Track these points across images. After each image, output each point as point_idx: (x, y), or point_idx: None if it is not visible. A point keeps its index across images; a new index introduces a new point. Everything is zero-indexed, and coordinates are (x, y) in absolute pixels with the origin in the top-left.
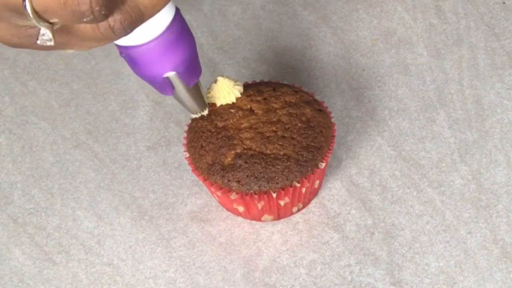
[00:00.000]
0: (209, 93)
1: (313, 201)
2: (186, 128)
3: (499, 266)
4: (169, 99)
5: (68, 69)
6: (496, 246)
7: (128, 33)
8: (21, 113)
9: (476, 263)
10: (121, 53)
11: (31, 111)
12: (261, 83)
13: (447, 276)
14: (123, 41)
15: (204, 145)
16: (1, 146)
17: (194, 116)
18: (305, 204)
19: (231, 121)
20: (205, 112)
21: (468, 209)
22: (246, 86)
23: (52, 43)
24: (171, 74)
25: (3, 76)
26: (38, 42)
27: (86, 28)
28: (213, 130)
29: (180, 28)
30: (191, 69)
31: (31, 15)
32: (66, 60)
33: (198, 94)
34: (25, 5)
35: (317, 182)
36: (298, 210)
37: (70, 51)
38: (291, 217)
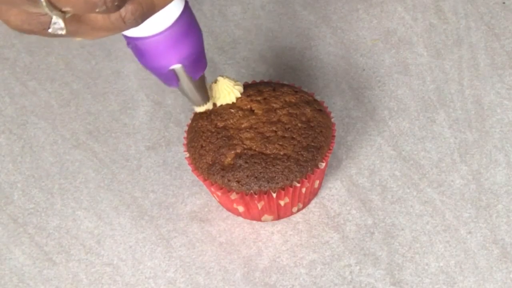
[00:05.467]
0: (209, 93)
1: (313, 201)
2: (186, 128)
3: (499, 266)
4: (169, 99)
5: (68, 69)
6: (496, 246)
7: (139, 23)
8: (21, 113)
9: (476, 263)
10: (128, 44)
11: (31, 111)
12: (261, 83)
13: (447, 276)
14: (132, 32)
15: (204, 145)
16: (1, 146)
17: (197, 109)
18: (305, 204)
19: (231, 121)
20: (209, 105)
21: (468, 209)
22: (246, 86)
23: (63, 32)
24: (177, 66)
25: (3, 76)
26: (50, 30)
27: (96, 17)
28: (213, 130)
29: (188, 22)
30: (197, 62)
31: (44, 3)
32: (66, 60)
33: (203, 87)
34: None
35: (317, 182)
36: (298, 210)
37: (78, 39)
38: (291, 217)
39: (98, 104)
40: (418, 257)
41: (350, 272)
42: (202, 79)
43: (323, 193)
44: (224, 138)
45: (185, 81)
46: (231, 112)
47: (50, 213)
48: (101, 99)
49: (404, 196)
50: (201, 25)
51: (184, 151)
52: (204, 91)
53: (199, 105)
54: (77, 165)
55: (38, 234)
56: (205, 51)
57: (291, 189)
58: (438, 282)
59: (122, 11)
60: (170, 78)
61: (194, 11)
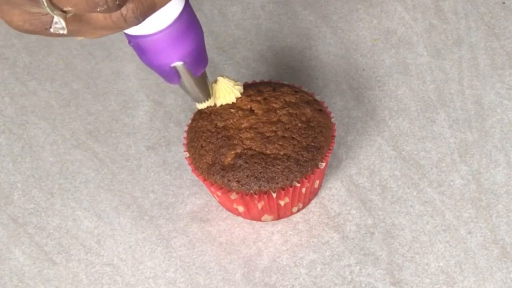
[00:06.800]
0: None
1: (313, 201)
2: (186, 128)
3: (499, 266)
4: (169, 99)
5: (68, 69)
6: (496, 246)
7: (140, 22)
8: (21, 113)
9: (476, 263)
10: (129, 42)
11: (31, 111)
12: (261, 83)
13: (447, 276)
14: (133, 31)
15: (204, 145)
16: (1, 146)
17: (198, 105)
18: (305, 204)
19: (231, 121)
20: (211, 102)
21: (468, 209)
22: (246, 86)
23: (65, 31)
24: (178, 64)
25: (3, 76)
26: (52, 30)
27: (98, 16)
28: (213, 130)
29: (189, 19)
30: (199, 59)
31: (45, 3)
32: (66, 60)
33: (204, 84)
34: None
35: (317, 182)
36: (298, 210)
37: (80, 38)
38: (291, 217)
39: (98, 104)
40: (418, 257)
41: (350, 272)
42: (204, 76)
43: (323, 193)
44: (224, 138)
45: (187, 78)
46: (231, 112)
47: (50, 213)
48: (101, 99)
49: (404, 196)
50: (201, 25)
51: (184, 151)
52: (205, 87)
53: (200, 101)
54: (77, 165)
55: (38, 234)
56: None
57: (291, 189)
58: (438, 282)
59: (123, 10)
60: (172, 76)
61: (194, 11)
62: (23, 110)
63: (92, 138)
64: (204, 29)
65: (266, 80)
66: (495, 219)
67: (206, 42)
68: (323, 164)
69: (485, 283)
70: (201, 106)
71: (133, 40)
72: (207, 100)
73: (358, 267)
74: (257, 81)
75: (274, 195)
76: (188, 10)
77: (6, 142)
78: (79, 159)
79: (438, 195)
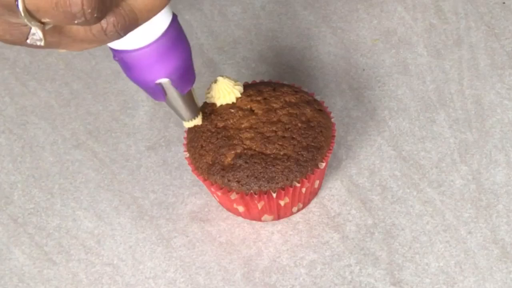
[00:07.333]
0: (209, 93)
1: (313, 201)
2: (186, 128)
3: (499, 266)
4: None
5: (68, 69)
6: (496, 246)
7: (122, 36)
8: (21, 113)
9: (476, 263)
10: (114, 56)
11: (31, 111)
12: (261, 83)
13: (447, 276)
14: (117, 45)
15: (204, 145)
16: (1, 146)
17: (185, 124)
18: (305, 204)
19: (231, 121)
20: (198, 121)
21: (468, 209)
22: (246, 86)
23: (42, 43)
24: (164, 80)
25: (3, 76)
26: (28, 41)
27: (78, 29)
28: (213, 130)
29: (175, 35)
30: (185, 76)
31: (22, 14)
32: (66, 60)
33: (191, 101)
34: (17, 4)
35: (317, 182)
36: (298, 210)
37: (62, 51)
38: (291, 217)
39: (98, 104)
40: (418, 257)
41: (350, 272)
42: (191, 93)
43: (323, 193)
44: (224, 138)
45: (173, 96)
46: (231, 112)
47: (50, 213)
48: (101, 99)
49: (404, 196)
50: (201, 25)
51: (184, 151)
52: (193, 105)
53: (187, 120)
54: (77, 165)
55: (38, 234)
56: (205, 51)
57: (291, 189)
58: (438, 282)
59: (103, 23)
60: (157, 92)
61: (194, 11)
62: (23, 110)
63: (92, 138)
64: (204, 29)
65: (266, 80)
66: (495, 219)
67: (206, 42)
68: (323, 164)
69: (485, 283)
70: (188, 124)
71: (117, 54)
72: (195, 118)
73: (358, 267)
74: (257, 81)
75: (274, 195)
76: (175, 26)
77: (6, 142)
78: (79, 159)
79: (438, 195)
